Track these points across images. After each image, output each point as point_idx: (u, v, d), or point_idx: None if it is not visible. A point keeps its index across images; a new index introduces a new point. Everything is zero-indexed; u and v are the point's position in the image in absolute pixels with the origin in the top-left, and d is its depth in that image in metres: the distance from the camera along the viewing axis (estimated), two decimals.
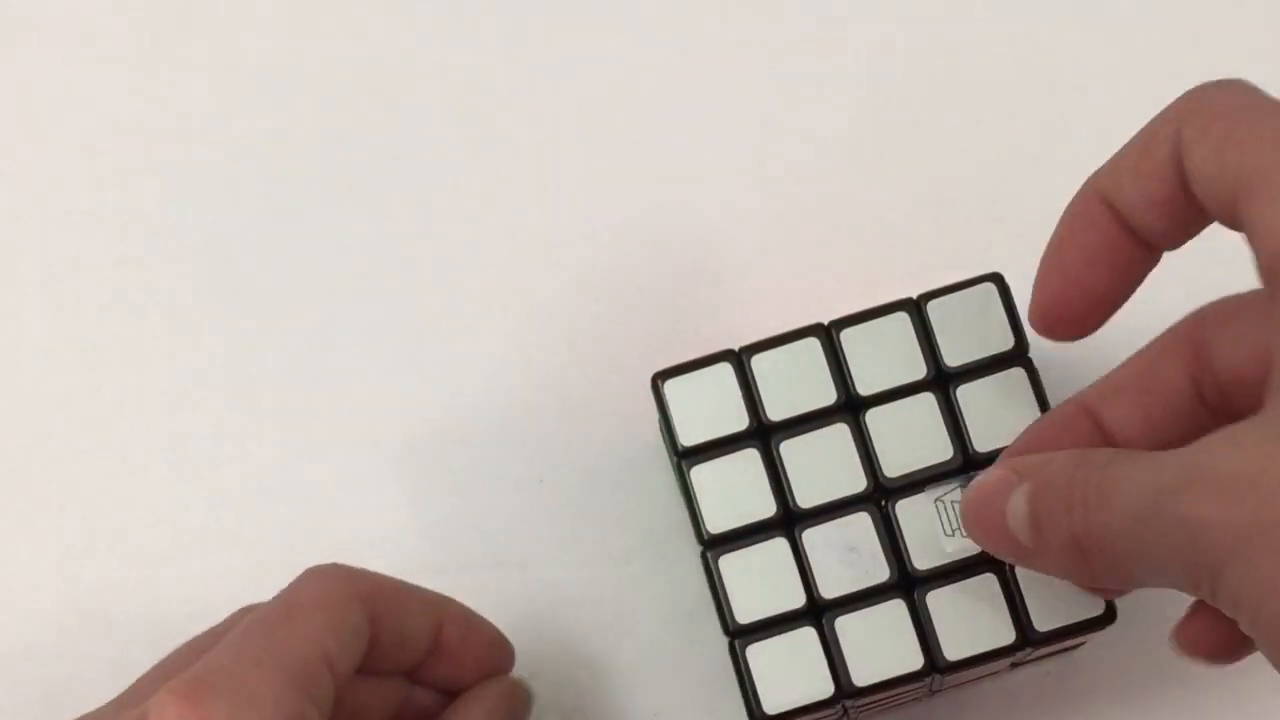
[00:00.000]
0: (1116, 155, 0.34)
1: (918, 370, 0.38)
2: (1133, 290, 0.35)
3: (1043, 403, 0.38)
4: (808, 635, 0.37)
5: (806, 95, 0.48)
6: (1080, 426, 0.36)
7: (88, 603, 0.45)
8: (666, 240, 0.47)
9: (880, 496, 0.38)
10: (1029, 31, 0.48)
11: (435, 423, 0.45)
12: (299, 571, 0.37)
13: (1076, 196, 0.35)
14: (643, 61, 0.48)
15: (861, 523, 0.38)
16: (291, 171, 0.48)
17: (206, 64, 0.48)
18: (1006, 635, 0.37)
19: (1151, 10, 0.48)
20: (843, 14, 0.48)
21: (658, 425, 0.40)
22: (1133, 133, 0.34)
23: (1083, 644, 0.40)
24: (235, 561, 0.45)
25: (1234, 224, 0.32)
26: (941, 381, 0.38)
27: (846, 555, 0.38)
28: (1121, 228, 0.34)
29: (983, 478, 0.35)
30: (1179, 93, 0.33)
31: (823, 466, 0.38)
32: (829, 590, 0.38)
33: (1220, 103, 0.32)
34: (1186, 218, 0.33)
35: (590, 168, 0.47)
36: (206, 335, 0.46)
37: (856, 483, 0.38)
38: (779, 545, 0.38)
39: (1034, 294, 0.35)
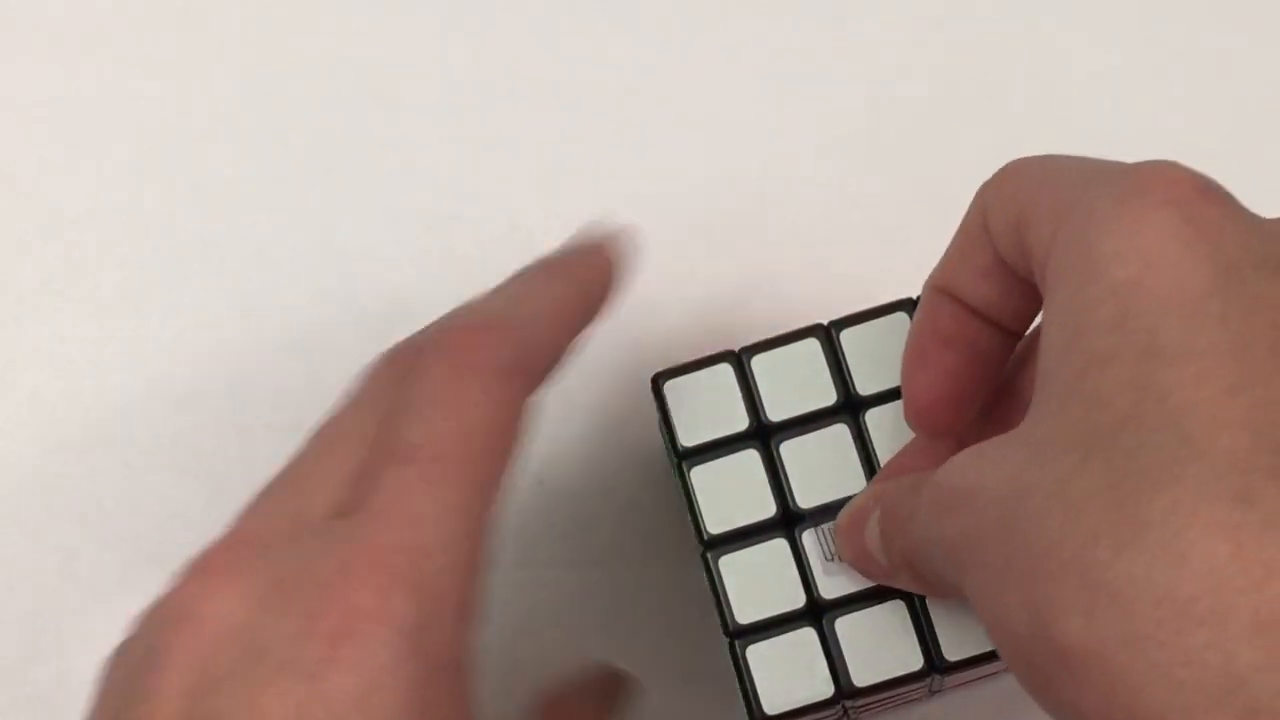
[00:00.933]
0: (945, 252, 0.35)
1: None
2: (995, 375, 0.35)
3: None
4: (808, 635, 0.37)
5: (807, 95, 0.47)
6: (943, 450, 0.36)
7: (87, 604, 0.45)
8: (666, 240, 0.47)
9: None
10: (1029, 31, 0.48)
11: None
12: None
13: (920, 299, 0.36)
14: (643, 60, 0.48)
15: None
16: (292, 172, 0.47)
17: (207, 64, 0.48)
18: None
19: (1152, 10, 0.48)
20: (844, 14, 0.48)
21: (658, 425, 0.40)
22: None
23: None
24: None
25: (1033, 274, 0.32)
26: None
27: None
28: (967, 311, 0.35)
29: (850, 504, 0.37)
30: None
31: (823, 467, 0.38)
32: (829, 590, 0.38)
33: (1015, 166, 0.33)
34: (1013, 282, 0.34)
35: (589, 167, 0.47)
36: (206, 335, 0.46)
37: (856, 483, 0.38)
38: (779, 545, 0.38)
39: (904, 394, 0.36)
